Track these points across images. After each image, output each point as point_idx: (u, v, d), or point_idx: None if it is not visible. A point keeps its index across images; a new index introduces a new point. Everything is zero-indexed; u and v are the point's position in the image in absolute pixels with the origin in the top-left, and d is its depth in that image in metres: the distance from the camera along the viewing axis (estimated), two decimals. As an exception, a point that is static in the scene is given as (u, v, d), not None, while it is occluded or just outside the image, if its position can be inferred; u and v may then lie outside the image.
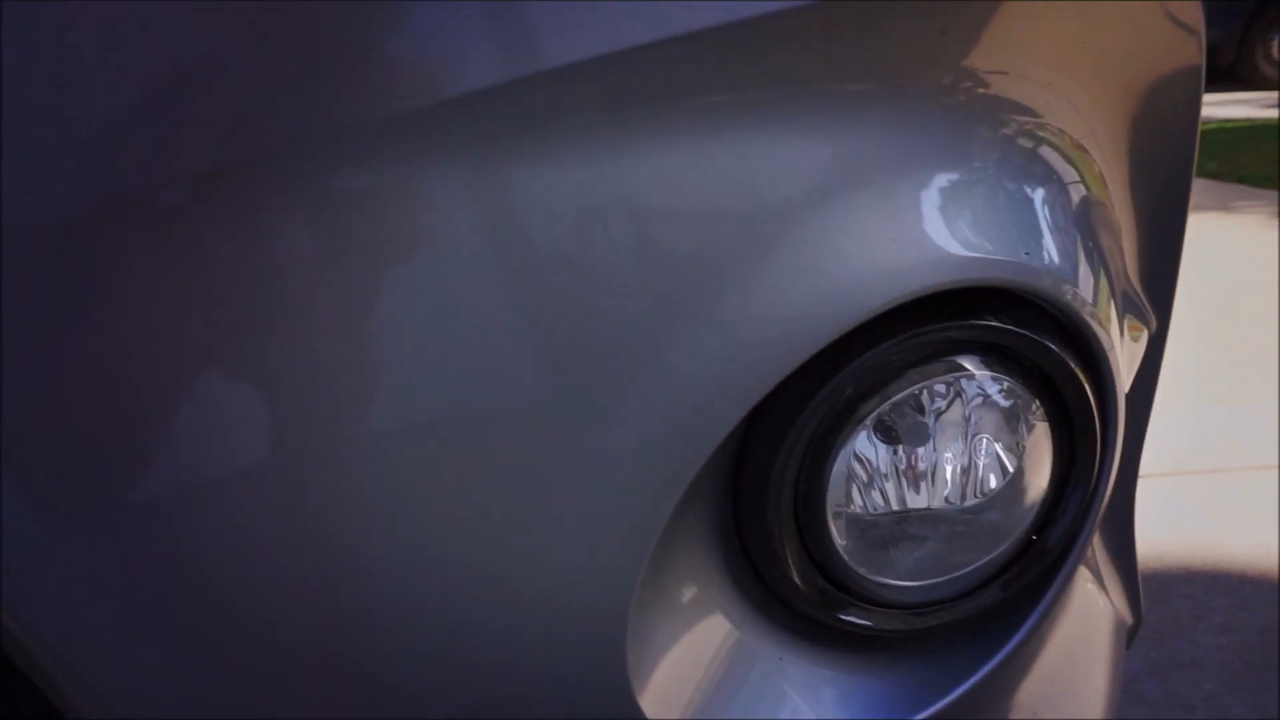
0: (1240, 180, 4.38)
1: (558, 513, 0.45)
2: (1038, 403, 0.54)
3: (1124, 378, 0.59)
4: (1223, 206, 3.99)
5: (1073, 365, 0.53)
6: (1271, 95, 6.90)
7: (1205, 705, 1.39)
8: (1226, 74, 7.33)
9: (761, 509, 0.51)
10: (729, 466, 0.52)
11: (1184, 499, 1.91)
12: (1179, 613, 1.58)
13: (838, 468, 0.51)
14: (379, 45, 0.39)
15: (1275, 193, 4.07)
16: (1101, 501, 0.58)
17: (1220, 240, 3.53)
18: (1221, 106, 6.40)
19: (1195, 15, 0.55)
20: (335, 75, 0.39)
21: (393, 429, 0.42)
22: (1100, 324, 0.54)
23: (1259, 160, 4.69)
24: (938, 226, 0.47)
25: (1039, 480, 0.56)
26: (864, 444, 0.52)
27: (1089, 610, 0.73)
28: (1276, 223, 3.73)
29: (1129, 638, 0.88)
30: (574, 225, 0.42)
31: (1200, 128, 0.61)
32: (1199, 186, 4.26)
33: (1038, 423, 0.55)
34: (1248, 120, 5.84)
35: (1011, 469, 0.55)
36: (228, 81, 0.39)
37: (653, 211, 0.43)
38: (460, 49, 0.39)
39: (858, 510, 0.53)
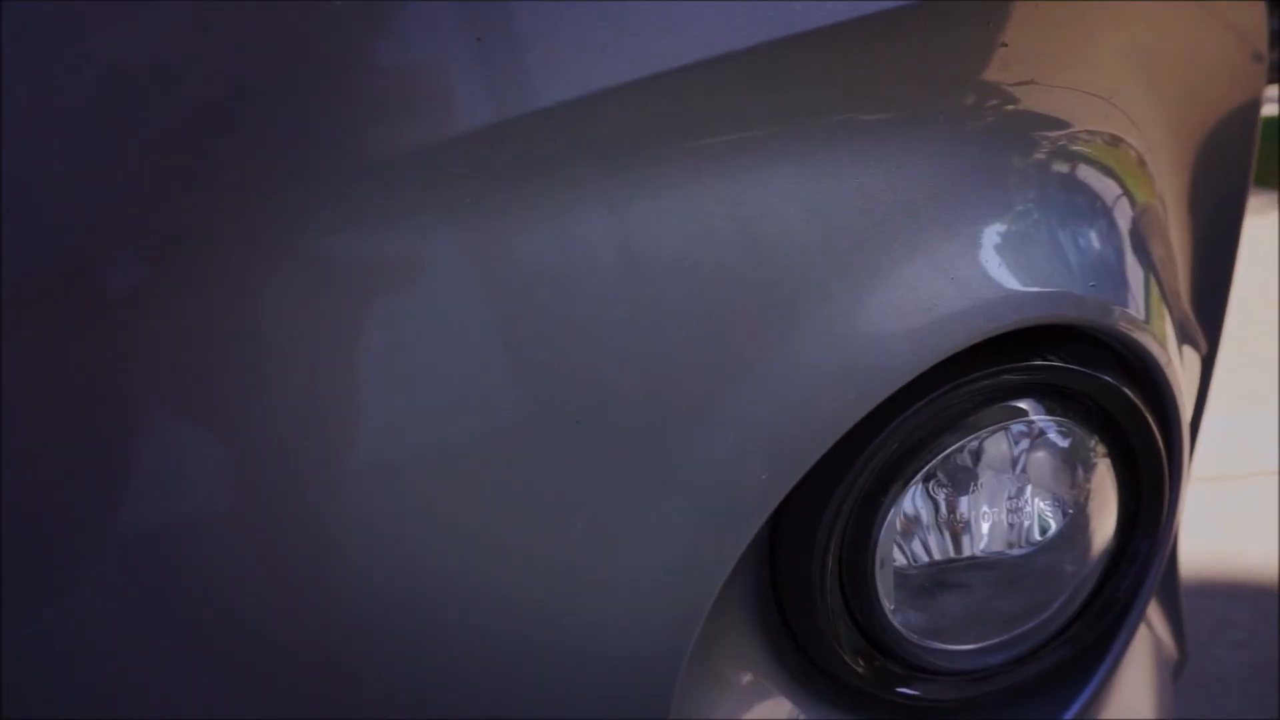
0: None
1: (602, 589, 0.40)
2: (1101, 444, 0.50)
3: (1188, 409, 0.54)
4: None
5: (1139, 403, 0.49)
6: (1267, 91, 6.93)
7: (1232, 725, 1.35)
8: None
9: (806, 583, 0.46)
10: (765, 535, 0.47)
11: (1192, 507, 1.87)
12: (1198, 628, 1.53)
13: (885, 533, 0.46)
14: (359, 89, 0.34)
15: (1274, 191, 4.03)
16: (1168, 544, 0.54)
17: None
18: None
19: (1258, 20, 0.51)
20: (312, 125, 0.34)
21: (411, 473, 0.38)
22: (1166, 356, 0.50)
23: (1258, 157, 4.67)
24: (998, 261, 0.43)
25: (1104, 526, 0.51)
26: (915, 502, 0.47)
27: (1142, 653, 0.69)
28: (1277, 220, 3.72)
29: (1176, 671, 0.83)
30: (589, 285, 0.38)
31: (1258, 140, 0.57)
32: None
33: (1101, 465, 0.50)
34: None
35: (1074, 516, 0.50)
36: (192, 134, 0.34)
37: (684, 266, 0.38)
38: (451, 89, 0.35)
39: (910, 573, 0.48)
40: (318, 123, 0.34)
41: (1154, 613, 0.78)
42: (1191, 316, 0.63)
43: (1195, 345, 0.64)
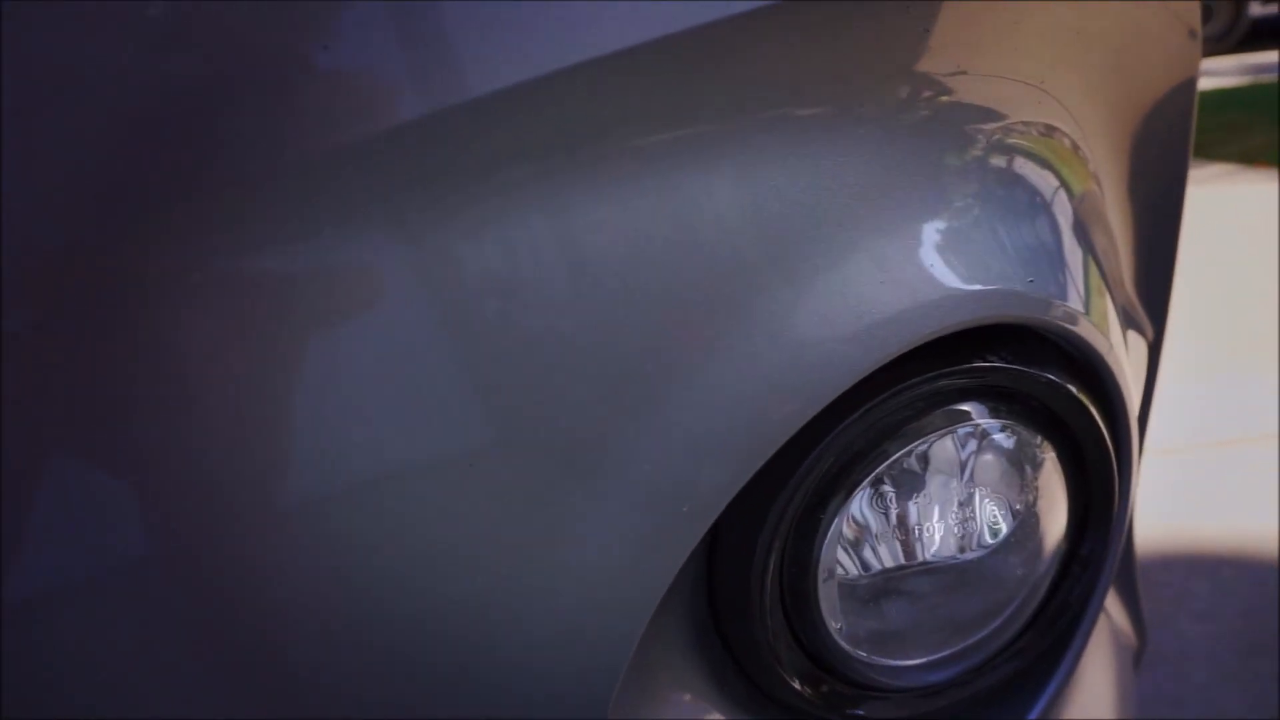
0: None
1: (539, 600, 0.39)
2: (1048, 444, 0.48)
3: (1135, 402, 0.53)
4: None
5: (1084, 400, 0.47)
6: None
7: (1197, 698, 1.35)
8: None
9: (745, 603, 0.43)
10: (702, 557, 0.44)
11: (1146, 482, 1.87)
12: (1159, 602, 1.54)
13: (827, 548, 0.44)
14: (279, 92, 0.31)
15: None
16: (1119, 545, 0.52)
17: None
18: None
19: (1193, 26, 0.49)
20: (231, 134, 0.31)
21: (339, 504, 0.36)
22: (1111, 349, 0.48)
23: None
24: (934, 261, 0.40)
25: (1054, 529, 0.49)
26: (858, 512, 0.45)
27: (1101, 645, 0.67)
28: (1208, 191, 3.76)
29: (1136, 659, 0.82)
30: (524, 295, 0.36)
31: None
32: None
33: (1049, 465, 0.48)
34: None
35: (1024, 519, 0.48)
36: (103, 150, 0.30)
37: (606, 276, 0.36)
38: (375, 85, 0.32)
39: (855, 586, 0.46)
40: (236, 131, 0.31)
41: (1111, 600, 0.77)
42: (1137, 303, 0.61)
43: (1142, 331, 0.63)
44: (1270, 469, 1.86)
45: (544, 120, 0.34)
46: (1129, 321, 0.59)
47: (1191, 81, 0.54)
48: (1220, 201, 3.61)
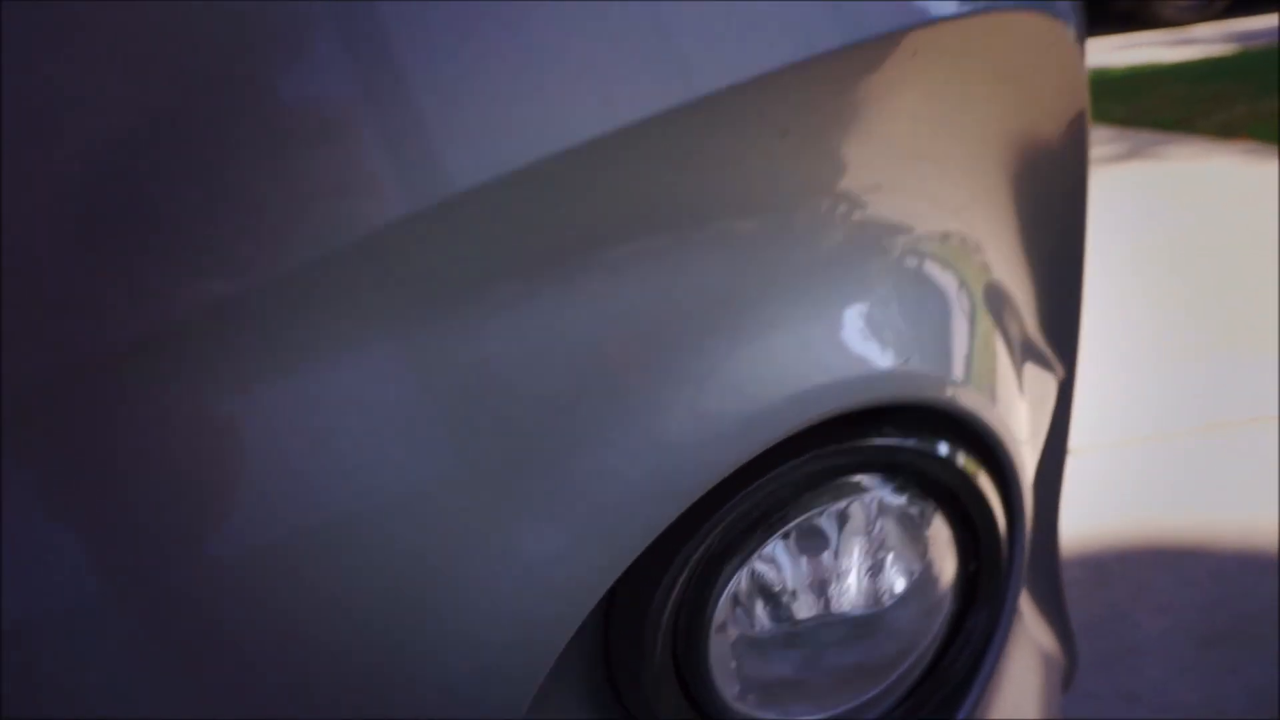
0: (1155, 125, 4.39)
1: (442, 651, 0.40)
2: (940, 514, 0.49)
3: (1029, 465, 0.54)
4: (1138, 153, 4.00)
5: (973, 477, 0.48)
6: (1168, 36, 6.97)
7: (1153, 693, 1.37)
8: (1124, 17, 7.41)
9: (638, 673, 0.45)
10: (597, 628, 0.46)
11: (1102, 474, 1.89)
12: (1117, 596, 1.56)
13: (716, 633, 0.45)
14: (242, 195, 0.32)
15: (1196, 136, 4.01)
16: (1011, 613, 0.53)
17: (1134, 187, 3.54)
18: (1120, 51, 6.46)
19: (1076, 60, 0.49)
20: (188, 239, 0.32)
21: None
22: (998, 419, 0.49)
23: (1168, 103, 4.72)
24: (800, 356, 0.41)
25: (945, 598, 0.50)
26: (754, 575, 0.47)
27: (1024, 668, 0.69)
28: (1192, 166, 3.76)
29: (1066, 680, 0.84)
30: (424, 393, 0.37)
31: (1090, 123, 0.56)
32: (1109, 134, 4.28)
33: (941, 536, 0.50)
34: (1149, 64, 5.88)
35: (914, 589, 0.49)
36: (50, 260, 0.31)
37: (504, 374, 0.38)
38: (352, 184, 0.33)
39: (750, 647, 0.48)
40: (215, 229, 0.32)
41: (1035, 620, 0.78)
42: (1045, 346, 0.62)
43: (1051, 371, 0.64)
44: (1239, 457, 1.88)
45: (507, 222, 0.35)
46: (1035, 358, 0.60)
47: (1081, 115, 0.54)
48: (1203, 177, 3.62)
